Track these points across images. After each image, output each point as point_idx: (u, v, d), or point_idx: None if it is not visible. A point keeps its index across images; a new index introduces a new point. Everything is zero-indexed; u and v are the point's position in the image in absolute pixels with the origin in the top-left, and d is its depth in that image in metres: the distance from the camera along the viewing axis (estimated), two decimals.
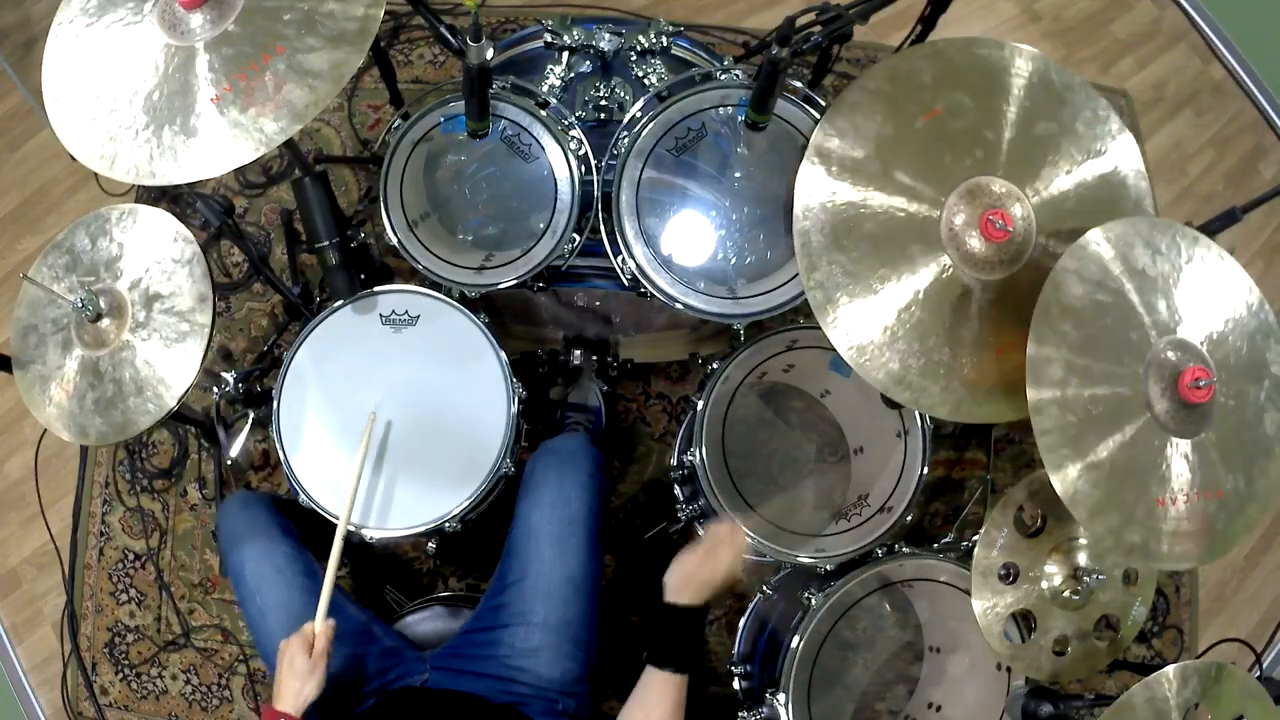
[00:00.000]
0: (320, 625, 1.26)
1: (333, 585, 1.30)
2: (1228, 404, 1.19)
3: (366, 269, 1.65)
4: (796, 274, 1.26)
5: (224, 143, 1.11)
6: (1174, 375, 1.13)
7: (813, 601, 1.48)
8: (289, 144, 1.31)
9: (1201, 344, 1.18)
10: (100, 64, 1.18)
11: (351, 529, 1.44)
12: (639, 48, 1.55)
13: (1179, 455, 1.15)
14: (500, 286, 1.43)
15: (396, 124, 1.46)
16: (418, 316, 1.52)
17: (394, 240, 1.44)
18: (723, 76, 1.48)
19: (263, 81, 1.11)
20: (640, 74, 1.55)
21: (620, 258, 1.41)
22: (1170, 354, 1.15)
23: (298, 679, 1.21)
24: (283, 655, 1.24)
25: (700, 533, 1.70)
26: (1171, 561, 1.16)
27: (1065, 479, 1.10)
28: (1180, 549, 1.16)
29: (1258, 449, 1.21)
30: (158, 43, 1.15)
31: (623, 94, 1.53)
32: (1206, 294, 1.21)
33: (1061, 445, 1.10)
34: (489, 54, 1.20)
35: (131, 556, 2.09)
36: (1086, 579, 1.38)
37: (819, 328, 1.22)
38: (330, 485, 1.46)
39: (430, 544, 1.59)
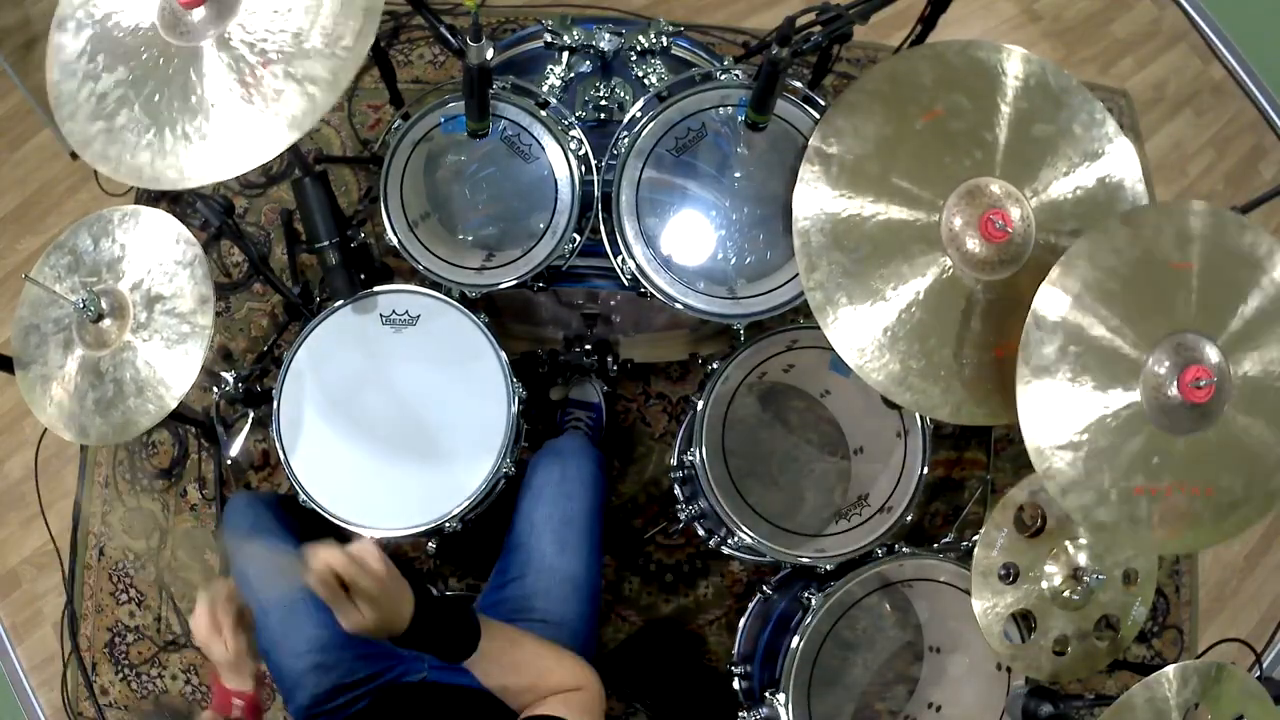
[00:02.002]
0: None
1: None
2: (1244, 407, 1.18)
3: (366, 269, 1.65)
4: (796, 274, 1.26)
5: (226, 148, 1.11)
6: (1181, 368, 1.13)
7: (813, 601, 1.48)
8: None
9: (1225, 343, 1.17)
10: (102, 63, 1.18)
11: (351, 528, 1.45)
12: (639, 48, 1.55)
13: (1166, 448, 1.15)
14: (500, 286, 1.43)
15: (396, 124, 1.46)
16: (418, 316, 1.52)
17: (394, 240, 1.44)
18: (723, 76, 1.48)
19: (262, 88, 1.11)
20: (640, 74, 1.55)
21: (620, 258, 1.41)
22: (1189, 344, 1.15)
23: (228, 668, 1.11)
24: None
25: (700, 533, 1.71)
26: (1143, 547, 1.16)
27: (1041, 451, 1.11)
28: (1154, 536, 1.16)
29: (1268, 459, 1.20)
30: (159, 43, 1.15)
31: (623, 94, 1.53)
32: (1237, 287, 1.19)
33: (1039, 375, 1.11)
34: (489, 54, 1.20)
35: (131, 556, 2.09)
36: (1086, 579, 1.38)
37: (819, 328, 1.22)
38: (330, 485, 1.46)
39: (430, 544, 1.59)
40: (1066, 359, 1.12)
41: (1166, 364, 1.13)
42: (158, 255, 1.37)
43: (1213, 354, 1.16)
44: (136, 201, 2.20)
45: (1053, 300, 1.12)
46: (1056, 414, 1.12)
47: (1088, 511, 1.12)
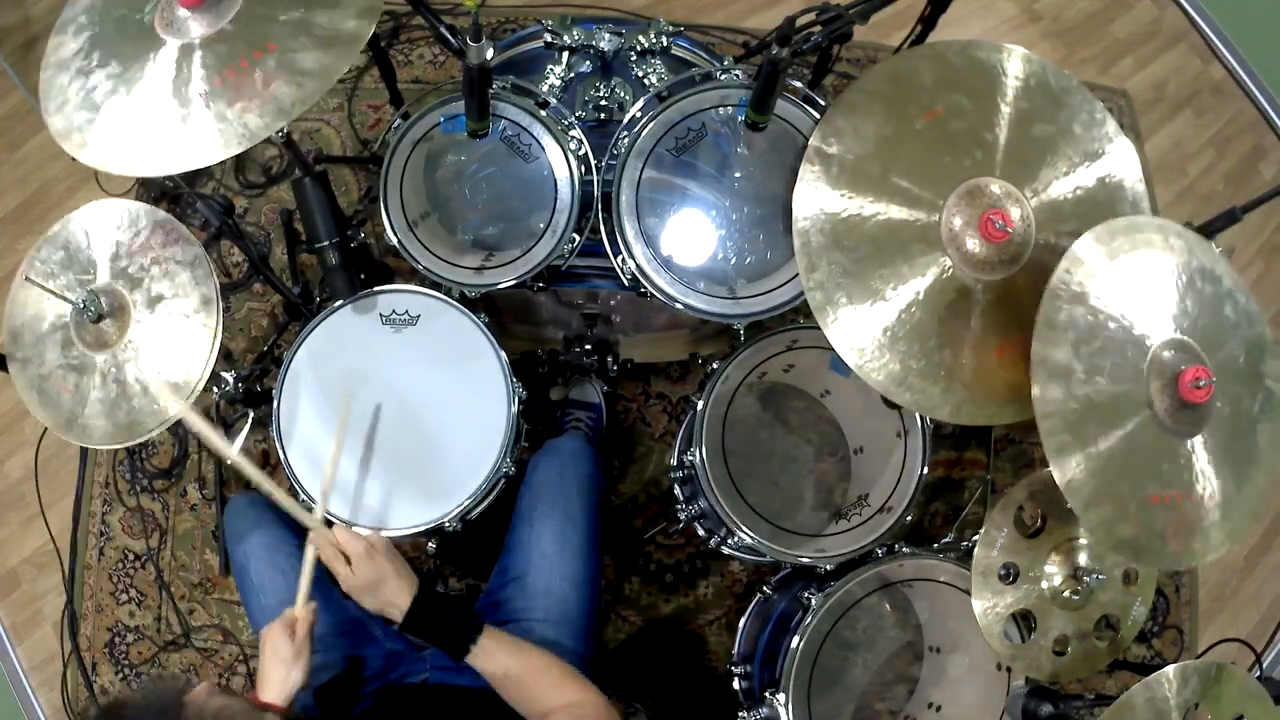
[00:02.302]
0: (302, 609, 1.22)
1: (313, 567, 1.25)
2: (1223, 410, 1.19)
3: (366, 269, 1.65)
4: (796, 274, 1.26)
5: (207, 136, 1.11)
6: (1174, 374, 1.13)
7: (813, 601, 1.48)
8: (289, 144, 1.32)
9: (1199, 347, 1.18)
10: (96, 60, 1.18)
11: (353, 526, 1.44)
12: (639, 48, 1.55)
13: (1176, 454, 1.15)
14: (500, 286, 1.43)
15: (396, 124, 1.46)
16: (418, 316, 1.52)
17: (394, 240, 1.44)
18: (723, 76, 1.48)
19: (252, 78, 1.12)
20: (640, 74, 1.55)
21: (620, 258, 1.41)
22: (1171, 353, 1.15)
23: (282, 666, 1.17)
24: (265, 642, 1.19)
25: (700, 533, 1.71)
26: (1162, 560, 1.16)
27: (1064, 466, 1.10)
28: (1170, 548, 1.16)
29: (1248, 459, 1.22)
30: (154, 38, 1.15)
31: (623, 94, 1.53)
32: (1206, 299, 1.20)
33: (1063, 431, 1.10)
34: (489, 54, 1.20)
35: (131, 556, 2.09)
36: (1086, 579, 1.38)
37: (819, 328, 1.22)
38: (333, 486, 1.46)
39: (430, 544, 1.59)
40: (1074, 414, 1.12)
41: (1159, 375, 1.14)
42: (157, 254, 1.37)
43: (1196, 355, 1.16)
44: (137, 200, 2.20)
45: (1052, 390, 1.11)
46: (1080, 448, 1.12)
47: (1110, 527, 1.12)
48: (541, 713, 1.15)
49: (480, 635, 1.18)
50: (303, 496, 1.46)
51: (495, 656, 1.18)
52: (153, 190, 2.20)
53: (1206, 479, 1.17)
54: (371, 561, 1.19)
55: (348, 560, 1.20)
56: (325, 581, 1.47)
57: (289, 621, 1.20)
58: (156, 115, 1.13)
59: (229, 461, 1.27)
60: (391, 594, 1.19)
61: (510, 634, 1.22)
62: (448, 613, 1.20)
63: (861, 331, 1.22)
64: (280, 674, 1.16)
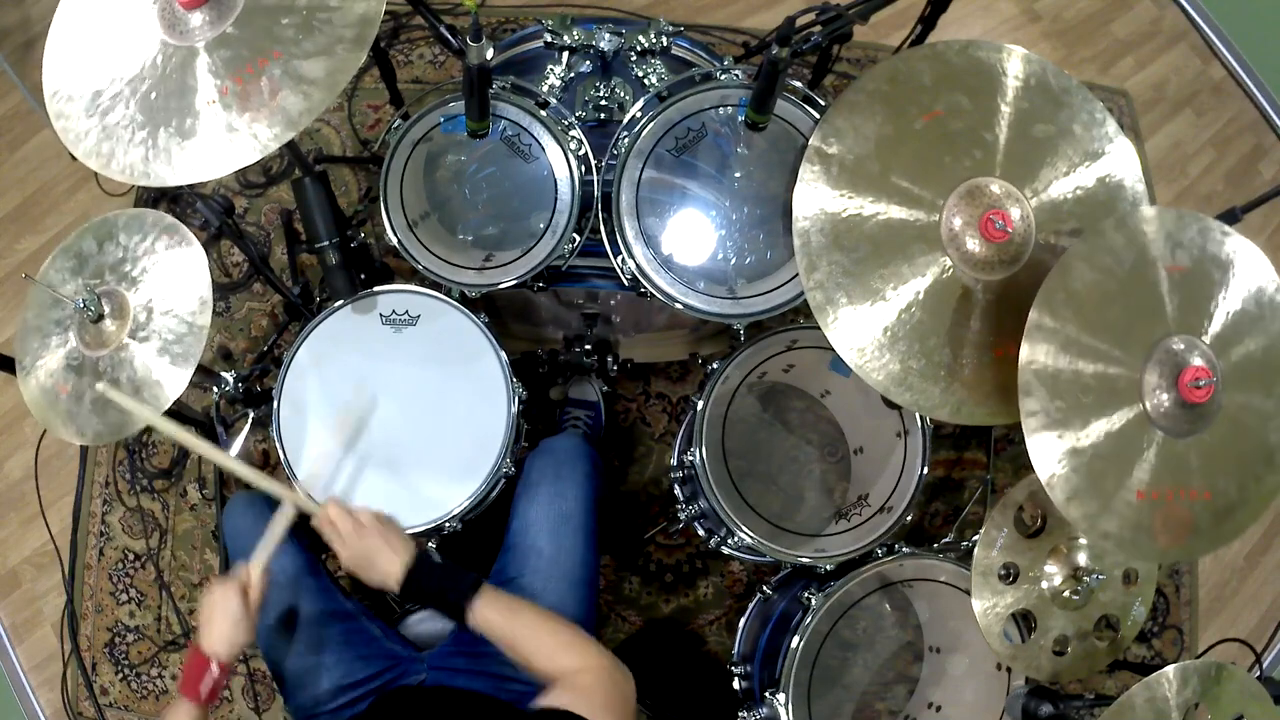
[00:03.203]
0: (257, 574, 1.22)
1: (278, 537, 1.26)
2: (1233, 407, 1.18)
3: (366, 269, 1.65)
4: (796, 274, 1.26)
5: (218, 146, 1.11)
6: (1175, 371, 1.13)
7: (813, 601, 1.48)
8: (289, 144, 1.31)
9: (1213, 342, 1.17)
10: (100, 59, 1.18)
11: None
12: (639, 48, 1.55)
13: (1167, 451, 1.15)
14: (500, 286, 1.43)
15: (396, 124, 1.46)
16: (418, 316, 1.52)
17: (394, 240, 1.44)
18: (723, 76, 1.48)
19: (258, 86, 1.11)
20: (640, 74, 1.55)
21: (620, 258, 1.41)
22: (1176, 349, 1.15)
23: (230, 623, 1.17)
24: (212, 593, 1.19)
25: (700, 533, 1.71)
26: (1146, 555, 1.16)
27: (1045, 460, 1.10)
28: (1158, 544, 1.15)
29: (1257, 457, 1.21)
30: (157, 41, 1.15)
31: (623, 94, 1.53)
32: (1227, 293, 1.19)
33: (1046, 427, 1.10)
34: (489, 54, 1.20)
35: (131, 556, 2.09)
36: (1086, 579, 1.38)
37: (819, 328, 1.22)
38: (329, 485, 1.46)
39: (430, 544, 1.59)
40: (1065, 405, 1.11)
41: (1160, 372, 1.14)
42: (160, 258, 1.36)
43: (1203, 353, 1.16)
44: (136, 202, 2.20)
45: (1040, 351, 1.11)
46: (1066, 449, 1.11)
47: (1093, 521, 1.12)
48: (545, 675, 1.14)
49: (476, 599, 1.18)
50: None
51: (490, 619, 1.18)
52: (152, 190, 2.20)
53: (1204, 477, 1.17)
54: (361, 539, 1.22)
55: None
56: (324, 572, 1.47)
57: (243, 581, 1.21)
58: (164, 122, 1.13)
59: (216, 462, 1.27)
60: (386, 566, 1.20)
61: (509, 595, 1.23)
62: (441, 580, 1.21)
63: (861, 331, 1.22)
64: (228, 631, 1.17)
